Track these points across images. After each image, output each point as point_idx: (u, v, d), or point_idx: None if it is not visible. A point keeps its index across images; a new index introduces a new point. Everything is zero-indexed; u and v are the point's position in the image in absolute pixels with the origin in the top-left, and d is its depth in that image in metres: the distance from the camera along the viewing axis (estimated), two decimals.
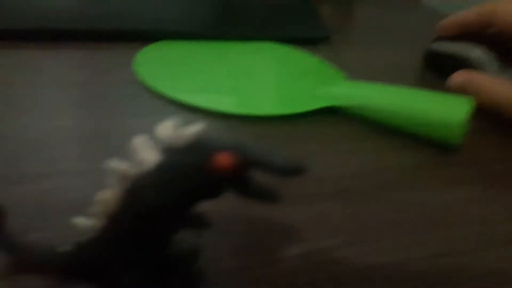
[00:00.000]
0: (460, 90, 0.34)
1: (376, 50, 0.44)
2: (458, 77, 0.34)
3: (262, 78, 0.36)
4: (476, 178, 0.28)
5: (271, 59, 0.40)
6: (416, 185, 0.27)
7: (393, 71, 0.40)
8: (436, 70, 0.40)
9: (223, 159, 0.15)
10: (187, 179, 0.16)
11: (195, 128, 0.16)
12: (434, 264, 0.21)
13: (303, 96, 0.34)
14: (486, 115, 0.33)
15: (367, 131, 0.31)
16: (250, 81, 0.35)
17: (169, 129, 0.16)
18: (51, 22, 0.38)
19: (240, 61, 0.38)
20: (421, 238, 0.23)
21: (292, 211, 0.23)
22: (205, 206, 0.21)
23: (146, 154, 0.16)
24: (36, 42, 0.37)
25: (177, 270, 0.19)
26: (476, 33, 0.38)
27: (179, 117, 0.30)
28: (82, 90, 0.32)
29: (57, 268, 0.18)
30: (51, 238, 0.20)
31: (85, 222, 0.17)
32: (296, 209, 0.23)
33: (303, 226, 0.22)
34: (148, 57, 0.37)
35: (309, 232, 0.22)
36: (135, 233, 0.17)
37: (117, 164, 0.16)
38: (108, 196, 0.16)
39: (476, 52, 0.37)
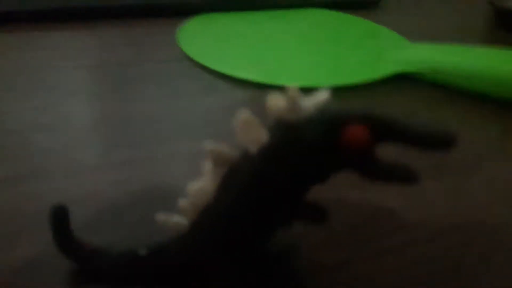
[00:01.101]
0: None
1: (434, 13, 0.40)
2: None
3: (317, 47, 0.32)
4: None
5: (322, 26, 0.36)
6: (508, 153, 0.23)
7: (457, 34, 0.36)
8: (509, 28, 0.36)
9: (357, 133, 0.12)
10: (307, 160, 0.13)
11: (317, 98, 0.13)
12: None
13: (366, 63, 0.30)
14: None
15: (445, 97, 0.28)
16: (305, 52, 0.32)
17: (282, 101, 0.13)
18: (82, 0, 0.35)
19: (290, 30, 0.35)
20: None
21: (386, 193, 0.20)
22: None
23: (254, 133, 0.13)
24: (70, 22, 0.34)
25: (276, 269, 0.16)
26: None
27: (236, 94, 0.27)
28: (126, 70, 0.29)
29: (138, 274, 0.15)
30: (121, 238, 0.17)
31: (173, 219, 0.14)
32: (390, 191, 0.20)
33: (400, 210, 0.19)
34: (191, 32, 0.33)
35: (407, 217, 0.19)
36: (235, 228, 0.14)
37: (214, 147, 0.13)
38: (201, 187, 0.14)
39: None
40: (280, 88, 0.27)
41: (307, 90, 0.27)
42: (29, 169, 0.20)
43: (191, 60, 0.30)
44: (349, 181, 0.21)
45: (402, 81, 0.29)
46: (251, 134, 0.13)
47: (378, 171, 0.13)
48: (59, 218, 0.15)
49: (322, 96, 0.13)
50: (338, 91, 0.28)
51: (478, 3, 0.38)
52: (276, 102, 0.13)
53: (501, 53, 0.28)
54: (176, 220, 0.14)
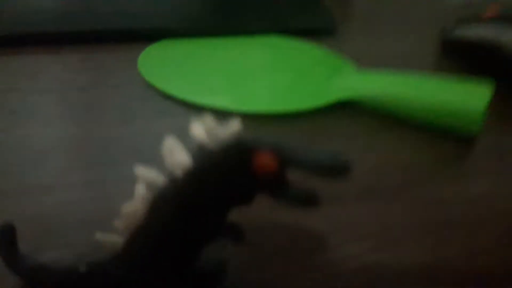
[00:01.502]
0: None
1: (385, 39, 0.42)
2: None
3: (271, 74, 0.35)
4: (500, 168, 0.27)
5: (278, 53, 0.38)
6: (438, 180, 0.25)
7: (405, 60, 0.38)
8: (456, 58, 0.39)
9: (265, 159, 0.14)
10: (224, 183, 0.15)
11: (231, 127, 0.15)
12: (470, 263, 0.20)
13: (313, 90, 0.32)
14: (502, 100, 0.32)
15: (382, 124, 0.30)
16: (259, 77, 0.34)
17: (202, 129, 0.15)
18: (47, 25, 0.36)
19: (244, 56, 0.37)
20: (451, 236, 0.22)
21: (315, 214, 0.22)
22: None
23: (178, 157, 0.15)
24: (34, 47, 0.35)
25: (205, 286, 0.18)
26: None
27: (190, 118, 0.29)
28: (86, 94, 0.30)
29: None
30: (64, 257, 0.18)
31: (110, 238, 0.16)
32: (320, 212, 0.22)
33: (329, 231, 0.21)
34: (152, 57, 0.35)
35: (335, 237, 0.21)
36: (164, 247, 0.15)
37: (144, 172, 0.15)
38: (133, 208, 0.15)
39: (509, 35, 0.32)
40: (231, 113, 0.29)
41: (261, 116, 0.29)
42: None
43: (150, 85, 0.32)
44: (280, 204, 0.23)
45: (346, 107, 0.32)
46: (176, 159, 0.15)
47: (287, 195, 0.15)
48: (6, 235, 0.16)
49: (235, 125, 0.15)
50: (287, 116, 0.30)
51: (432, 31, 0.41)
52: (196, 130, 0.15)
53: (435, 81, 0.30)
54: (113, 239, 0.16)
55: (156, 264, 0.16)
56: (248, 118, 0.29)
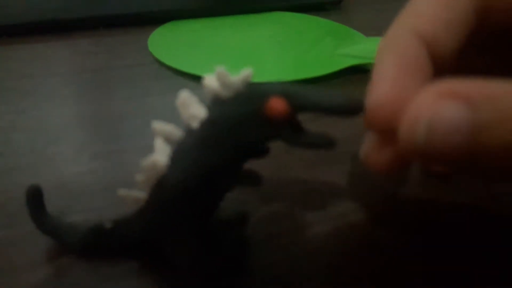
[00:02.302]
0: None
1: (393, 10, 0.42)
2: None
3: (279, 47, 0.35)
4: None
5: (285, 28, 0.38)
6: None
7: None
8: None
9: (277, 104, 0.14)
10: (239, 130, 0.15)
11: (242, 75, 0.15)
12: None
13: (325, 58, 0.33)
14: None
15: None
16: (267, 51, 0.34)
17: (215, 80, 0.15)
18: (57, 12, 0.37)
19: (252, 33, 0.37)
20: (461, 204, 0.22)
21: (333, 170, 0.22)
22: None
23: (193, 109, 0.15)
24: (45, 34, 0.36)
25: (225, 237, 0.18)
26: None
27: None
28: (99, 75, 0.31)
29: (103, 246, 0.17)
30: (91, 219, 0.19)
31: (132, 194, 0.16)
32: (337, 168, 0.23)
33: (346, 185, 0.22)
34: (162, 38, 0.36)
35: (352, 190, 0.21)
36: (185, 198, 0.16)
37: (161, 126, 0.15)
38: (153, 161, 0.16)
39: None
40: None
41: None
42: (12, 163, 0.22)
43: (161, 63, 0.32)
44: (299, 161, 0.23)
45: (358, 73, 0.32)
46: (191, 110, 0.15)
47: (301, 139, 0.15)
48: (33, 196, 0.17)
49: (246, 74, 0.15)
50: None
51: None
52: (210, 82, 0.15)
53: None
54: (136, 194, 0.17)
55: (178, 216, 0.16)
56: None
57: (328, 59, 0.32)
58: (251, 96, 0.15)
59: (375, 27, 0.39)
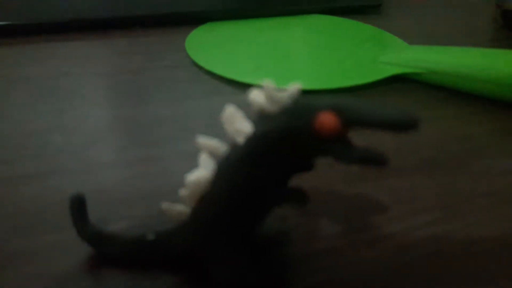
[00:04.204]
0: None
1: (436, 16, 0.41)
2: None
3: (318, 52, 0.34)
4: None
5: (323, 31, 0.37)
6: (500, 151, 0.24)
7: (459, 35, 0.37)
8: None
9: (327, 119, 0.13)
10: (287, 146, 0.14)
11: (290, 91, 0.14)
12: None
13: (366, 66, 0.32)
14: None
15: (440, 97, 0.29)
16: (307, 57, 0.33)
17: (261, 95, 0.15)
18: (96, 11, 0.37)
19: (290, 36, 0.36)
20: None
21: (378, 186, 0.22)
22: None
23: (238, 124, 0.15)
24: (83, 33, 0.36)
25: (267, 253, 0.17)
26: None
27: (239, 96, 0.28)
28: (136, 76, 0.31)
29: (144, 258, 0.17)
30: (131, 228, 0.19)
31: (175, 208, 0.16)
32: (382, 184, 0.22)
33: (392, 203, 0.21)
34: (198, 40, 0.35)
35: (398, 209, 0.20)
36: (229, 215, 0.15)
37: (206, 141, 0.15)
38: (198, 177, 0.15)
39: None
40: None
41: (310, 93, 0.29)
42: (49, 167, 0.22)
43: (198, 66, 0.32)
44: (342, 177, 0.22)
45: (400, 82, 0.31)
46: (237, 126, 0.15)
47: (352, 156, 0.14)
48: (77, 205, 0.16)
49: (294, 89, 0.14)
50: (338, 93, 0.29)
51: (482, 6, 0.39)
52: (256, 97, 0.15)
53: (498, 54, 0.29)
54: (179, 208, 0.16)
55: (222, 231, 0.16)
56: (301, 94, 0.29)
57: (370, 67, 0.31)
58: (300, 111, 0.14)
59: (417, 34, 0.37)
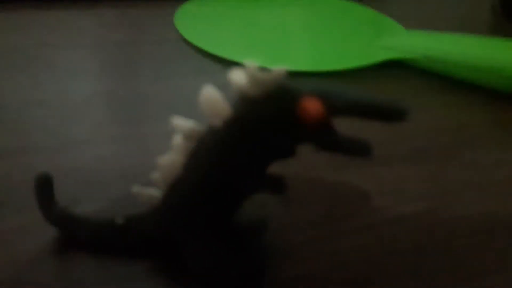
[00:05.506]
0: None
1: (434, 1, 0.40)
2: None
3: (312, 32, 0.33)
4: None
5: (321, 12, 0.36)
6: (493, 142, 0.23)
7: (457, 22, 0.36)
8: None
9: (311, 105, 0.13)
10: (267, 132, 0.13)
11: (274, 73, 0.13)
12: None
13: (362, 49, 0.31)
14: None
15: (435, 84, 0.28)
16: (299, 37, 0.32)
17: (243, 76, 0.14)
18: None
19: (286, 15, 0.35)
20: (505, 197, 0.20)
21: (363, 174, 0.21)
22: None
23: (217, 107, 0.14)
24: (70, 2, 0.35)
25: (244, 242, 0.17)
26: None
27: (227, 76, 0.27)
28: (122, 50, 0.29)
29: (114, 242, 0.16)
30: (103, 210, 0.18)
31: (146, 192, 0.15)
32: (368, 172, 0.21)
33: (376, 192, 0.20)
34: (188, 14, 0.34)
35: (383, 198, 0.20)
36: (203, 200, 0.14)
37: (182, 122, 0.14)
38: (171, 160, 0.14)
39: None
40: None
41: (302, 75, 0.28)
42: (21, 143, 0.21)
43: (186, 42, 0.31)
44: (327, 162, 0.21)
45: (395, 68, 0.30)
46: (216, 109, 0.14)
47: (335, 143, 0.13)
48: (43, 185, 0.16)
49: (279, 71, 0.13)
50: (331, 75, 0.28)
51: None
52: (237, 77, 0.14)
53: (494, 43, 0.28)
54: (150, 192, 0.15)
55: (194, 218, 0.15)
56: (289, 76, 0.28)
57: (366, 50, 0.30)
58: (283, 95, 0.13)
59: (415, 19, 0.36)
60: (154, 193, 0.15)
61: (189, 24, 0.32)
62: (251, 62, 0.13)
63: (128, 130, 0.22)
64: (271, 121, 0.13)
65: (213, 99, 0.14)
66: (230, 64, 0.29)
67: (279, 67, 0.13)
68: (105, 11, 0.34)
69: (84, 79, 0.26)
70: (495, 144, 0.23)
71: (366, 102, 0.13)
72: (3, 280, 0.15)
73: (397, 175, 0.21)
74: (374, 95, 0.13)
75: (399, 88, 0.28)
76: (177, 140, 0.14)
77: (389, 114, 0.12)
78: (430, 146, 0.23)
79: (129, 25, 0.32)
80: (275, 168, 0.21)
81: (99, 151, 0.21)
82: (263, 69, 0.27)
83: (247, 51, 0.29)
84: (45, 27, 0.31)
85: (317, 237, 0.17)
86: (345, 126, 0.24)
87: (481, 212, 0.19)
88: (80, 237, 0.16)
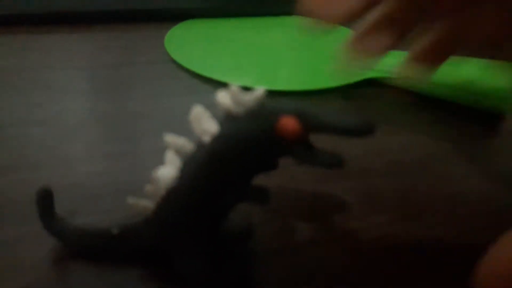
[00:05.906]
0: None
1: None
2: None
3: (295, 53, 0.35)
4: None
5: (301, 33, 0.38)
6: (464, 157, 0.25)
7: None
8: None
9: (289, 123, 0.14)
10: (250, 147, 0.15)
11: (255, 94, 0.15)
12: (489, 236, 0.20)
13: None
14: None
15: (409, 102, 0.30)
16: (283, 58, 0.34)
17: (227, 97, 0.15)
18: (78, 5, 0.37)
19: (270, 36, 0.37)
20: (473, 211, 0.22)
21: (342, 186, 0.22)
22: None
23: (205, 124, 0.15)
24: (66, 26, 0.36)
25: (230, 249, 0.18)
26: None
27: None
28: (115, 71, 0.31)
29: (109, 251, 0.17)
30: (99, 222, 0.19)
31: (141, 203, 0.17)
32: (346, 184, 0.23)
33: (354, 203, 0.22)
34: (178, 37, 0.36)
35: (359, 208, 0.21)
36: (192, 211, 0.16)
37: (173, 139, 0.16)
38: (164, 173, 0.16)
39: None
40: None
41: (287, 94, 0.30)
42: (21, 160, 0.22)
43: (176, 63, 0.32)
44: (308, 175, 0.23)
45: (373, 86, 0.32)
46: (204, 125, 0.15)
47: (311, 157, 0.15)
48: (44, 198, 0.17)
49: (259, 93, 0.15)
50: (313, 94, 0.30)
51: None
52: (222, 98, 0.15)
53: (469, 62, 0.30)
54: (144, 203, 0.17)
55: (185, 227, 0.16)
56: (274, 95, 0.29)
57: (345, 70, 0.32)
58: (263, 114, 0.15)
59: None
60: (148, 204, 0.17)
61: (178, 46, 0.34)
62: (235, 84, 0.15)
63: (121, 148, 0.24)
64: (253, 137, 0.15)
65: (201, 117, 0.15)
66: (218, 84, 0.30)
67: (260, 88, 0.15)
68: (98, 34, 0.36)
69: (79, 99, 0.28)
70: (465, 157, 0.25)
71: (337, 120, 0.14)
72: (4, 285, 0.16)
73: (372, 187, 0.23)
74: (347, 114, 0.15)
75: (376, 105, 0.29)
76: (169, 155, 0.16)
77: (357, 131, 0.14)
78: (404, 160, 0.25)
79: (121, 47, 0.34)
80: (259, 180, 0.22)
81: (94, 167, 0.22)
82: (245, 90, 0.29)
83: (234, 72, 0.31)
84: (41, 50, 0.33)
85: (298, 244, 0.19)
86: (325, 141, 0.25)
87: (450, 220, 0.21)
88: (78, 246, 0.17)
